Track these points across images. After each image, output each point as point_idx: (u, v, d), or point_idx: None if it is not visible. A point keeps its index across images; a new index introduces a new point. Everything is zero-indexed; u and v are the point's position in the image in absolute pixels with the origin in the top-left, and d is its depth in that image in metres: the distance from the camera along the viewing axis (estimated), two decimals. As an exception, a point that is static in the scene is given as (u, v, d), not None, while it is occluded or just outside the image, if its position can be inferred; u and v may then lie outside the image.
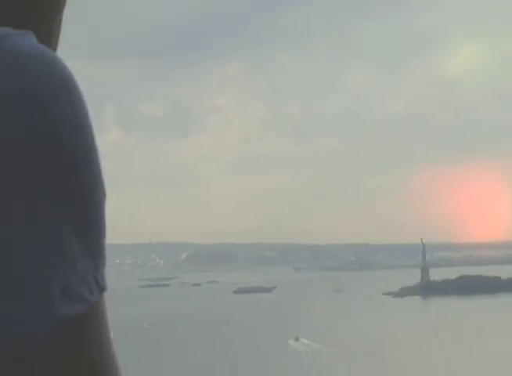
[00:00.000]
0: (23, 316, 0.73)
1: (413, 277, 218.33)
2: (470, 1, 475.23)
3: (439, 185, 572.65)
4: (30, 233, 0.74)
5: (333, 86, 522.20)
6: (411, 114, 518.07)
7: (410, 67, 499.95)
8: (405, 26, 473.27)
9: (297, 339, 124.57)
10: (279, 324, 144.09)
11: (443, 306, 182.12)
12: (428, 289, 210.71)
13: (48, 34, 0.97)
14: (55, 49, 0.97)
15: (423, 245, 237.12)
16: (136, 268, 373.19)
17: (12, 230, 0.73)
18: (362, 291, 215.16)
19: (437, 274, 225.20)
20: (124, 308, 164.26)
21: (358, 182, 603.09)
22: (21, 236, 0.73)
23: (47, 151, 0.75)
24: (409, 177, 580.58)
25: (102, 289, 0.83)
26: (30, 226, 0.74)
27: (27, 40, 0.81)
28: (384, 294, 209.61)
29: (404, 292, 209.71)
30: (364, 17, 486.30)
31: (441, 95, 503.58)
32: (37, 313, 0.74)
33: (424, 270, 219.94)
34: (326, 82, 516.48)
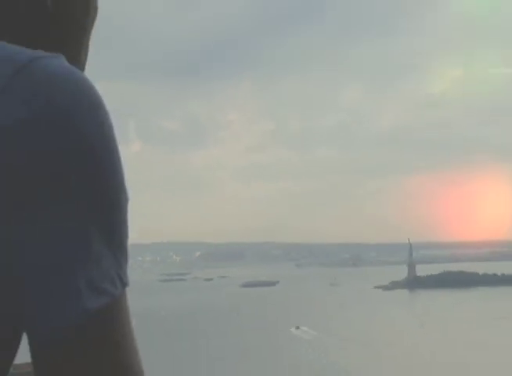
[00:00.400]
0: (54, 307, 0.73)
1: (401, 273, 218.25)
2: (450, 30, 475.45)
3: (424, 190, 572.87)
4: (61, 233, 0.74)
5: (332, 103, 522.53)
6: (399, 128, 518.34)
7: (399, 87, 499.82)
8: (394, 50, 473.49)
9: (297, 327, 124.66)
10: (281, 314, 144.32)
11: (428, 298, 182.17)
12: (414, 283, 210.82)
13: (77, 55, 0.96)
14: (83, 70, 0.96)
15: (410, 244, 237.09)
16: (156, 264, 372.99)
17: (49, 230, 0.73)
18: (355, 285, 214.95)
19: (422, 270, 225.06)
20: (145, 299, 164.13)
21: (352, 188, 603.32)
22: (54, 236, 0.73)
23: (74, 161, 0.75)
24: (396, 183, 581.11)
25: (124, 284, 0.82)
26: (62, 227, 0.74)
27: (58, 61, 0.81)
28: (375, 287, 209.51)
29: (393, 286, 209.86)
30: (359, 43, 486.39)
31: (426, 111, 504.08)
32: (66, 305, 0.74)
33: (411, 266, 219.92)
34: (325, 100, 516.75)
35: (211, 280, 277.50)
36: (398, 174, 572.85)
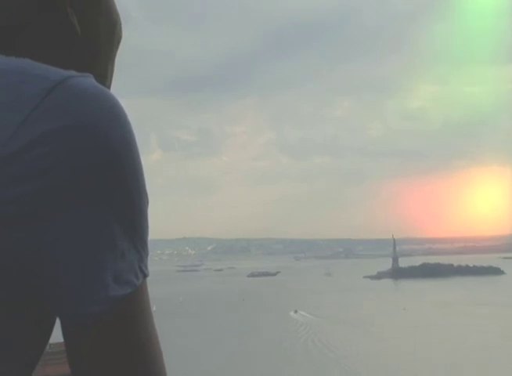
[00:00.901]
0: (85, 295, 0.74)
1: (386, 264, 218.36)
2: (428, 52, 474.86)
3: (406, 192, 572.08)
4: (91, 231, 0.75)
5: (325, 117, 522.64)
6: (384, 138, 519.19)
7: (383, 103, 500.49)
8: (379, 70, 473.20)
9: (296, 311, 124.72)
10: (282, 300, 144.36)
11: (409, 286, 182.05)
12: (398, 273, 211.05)
13: (104, 74, 0.96)
14: (109, 88, 0.95)
15: (394, 240, 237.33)
16: (173, 257, 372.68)
17: (80, 229, 0.73)
18: (347, 275, 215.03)
19: (404, 262, 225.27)
20: (165, 286, 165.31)
21: (343, 190, 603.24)
22: (84, 233, 0.74)
23: (101, 168, 0.75)
24: (382, 186, 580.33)
25: (145, 275, 0.81)
26: (91, 226, 0.74)
27: (87, 80, 0.80)
28: (364, 277, 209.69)
29: (379, 276, 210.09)
30: (349, 65, 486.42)
31: (405, 124, 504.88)
32: (95, 294, 0.75)
33: (395, 259, 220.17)
34: (320, 114, 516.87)
35: (221, 270, 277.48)
36: (384, 178, 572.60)
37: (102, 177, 0.76)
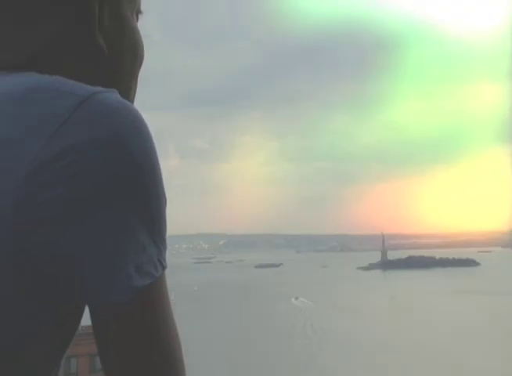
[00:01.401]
0: (110, 286, 0.75)
1: (376, 257, 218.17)
2: (411, 72, 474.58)
3: (392, 193, 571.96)
4: (116, 229, 0.75)
5: (323, 127, 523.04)
6: (372, 146, 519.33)
7: (373, 116, 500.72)
8: (369, 87, 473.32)
9: (296, 298, 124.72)
10: (284, 288, 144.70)
11: (396, 276, 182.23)
12: (387, 265, 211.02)
13: (128, 90, 0.95)
14: (132, 102, 0.94)
15: (383, 235, 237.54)
16: (189, 250, 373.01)
17: (106, 227, 0.74)
18: (341, 266, 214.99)
19: (392, 255, 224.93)
20: (182, 276, 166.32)
21: (339, 192, 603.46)
22: (110, 231, 0.75)
23: (125, 173, 0.75)
24: (372, 188, 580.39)
25: (163, 267, 0.81)
26: (117, 224, 0.75)
27: (113, 95, 0.80)
28: (356, 268, 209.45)
29: (370, 267, 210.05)
30: (344, 83, 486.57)
31: (391, 134, 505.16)
32: (120, 284, 0.75)
33: (384, 252, 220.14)
34: (319, 125, 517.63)
35: (231, 262, 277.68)
36: (374, 180, 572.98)
37: (125, 184, 0.76)
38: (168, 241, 0.82)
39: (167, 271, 0.81)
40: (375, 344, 77.99)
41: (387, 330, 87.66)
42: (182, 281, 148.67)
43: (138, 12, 0.98)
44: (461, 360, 69.38)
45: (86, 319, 0.82)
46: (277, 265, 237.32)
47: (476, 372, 64.63)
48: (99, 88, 0.80)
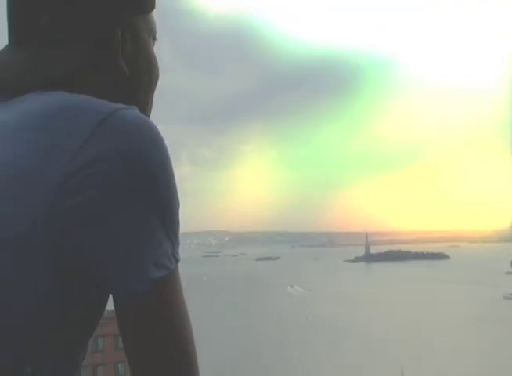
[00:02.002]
0: (132, 277, 0.76)
1: (361, 251, 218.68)
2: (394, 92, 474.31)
3: (373, 195, 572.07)
4: (136, 227, 0.76)
5: (313, 139, 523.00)
6: (355, 155, 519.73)
7: (357, 129, 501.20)
8: (352, 105, 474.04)
9: (291, 286, 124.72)
10: (281, 278, 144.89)
11: (378, 268, 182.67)
12: (369, 258, 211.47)
13: (145, 107, 0.94)
14: (149, 116, 0.93)
15: (366, 232, 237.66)
16: (199, 246, 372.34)
17: (127, 226, 0.75)
18: (330, 259, 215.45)
19: (374, 249, 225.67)
20: (193, 269, 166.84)
21: (327, 194, 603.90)
22: (130, 229, 0.75)
23: (143, 180, 0.76)
24: (357, 190, 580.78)
25: (177, 261, 0.81)
26: (136, 222, 0.75)
27: (132, 112, 0.80)
28: (344, 261, 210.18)
29: (356, 260, 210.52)
30: (331, 100, 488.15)
31: (372, 144, 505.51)
32: (139, 276, 0.76)
33: (367, 247, 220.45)
34: (309, 136, 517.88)
35: (236, 256, 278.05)
36: (356, 184, 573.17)
37: (143, 190, 0.76)
38: (181, 238, 0.82)
39: (180, 264, 0.81)
40: (358, 321, 78.63)
41: (369, 309, 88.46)
42: (193, 272, 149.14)
43: (154, 38, 0.98)
44: (428, 330, 70.86)
45: (111, 305, 0.83)
46: (275, 258, 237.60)
47: (438, 338, 65.85)
48: (120, 105, 0.80)
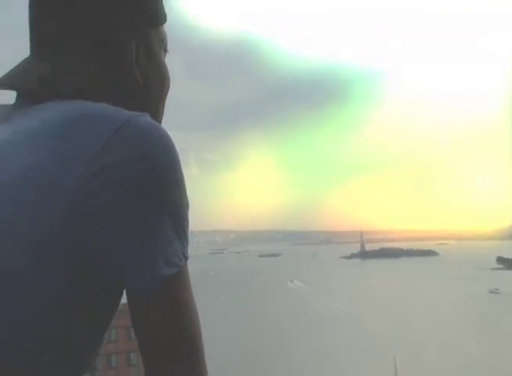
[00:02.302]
0: (145, 274, 0.75)
1: (356, 249, 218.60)
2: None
3: (365, 196, 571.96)
4: (147, 227, 0.76)
5: (308, 146, 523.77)
6: (349, 159, 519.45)
7: (349, 134, 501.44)
8: (343, 116, 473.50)
9: (291, 281, 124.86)
10: (281, 273, 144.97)
11: (371, 263, 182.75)
12: (364, 255, 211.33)
13: (157, 114, 0.94)
14: (160, 122, 0.93)
15: (361, 231, 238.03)
16: (206, 244, 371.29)
17: (140, 226, 0.75)
18: (328, 256, 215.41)
19: (368, 247, 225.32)
20: (200, 264, 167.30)
21: (324, 196, 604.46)
22: (143, 228, 0.75)
23: (156, 182, 0.75)
24: (350, 192, 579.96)
25: (186, 258, 0.81)
26: (148, 223, 0.75)
27: (146, 119, 0.80)
28: (340, 257, 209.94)
29: (351, 256, 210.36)
30: (324, 108, 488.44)
31: (365, 148, 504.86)
32: (152, 272, 0.75)
33: (362, 245, 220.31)
34: (304, 144, 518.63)
35: (240, 253, 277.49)
36: (351, 186, 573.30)
37: (155, 192, 0.76)
38: (189, 236, 0.82)
39: (189, 260, 0.81)
40: (351, 314, 78.66)
41: (361, 301, 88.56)
42: (201, 268, 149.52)
43: (165, 49, 0.98)
44: (416, 322, 71.12)
45: (124, 298, 0.83)
46: (277, 255, 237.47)
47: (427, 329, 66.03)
48: (134, 113, 0.80)
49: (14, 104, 0.85)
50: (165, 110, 0.99)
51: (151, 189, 0.77)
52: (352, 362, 56.30)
